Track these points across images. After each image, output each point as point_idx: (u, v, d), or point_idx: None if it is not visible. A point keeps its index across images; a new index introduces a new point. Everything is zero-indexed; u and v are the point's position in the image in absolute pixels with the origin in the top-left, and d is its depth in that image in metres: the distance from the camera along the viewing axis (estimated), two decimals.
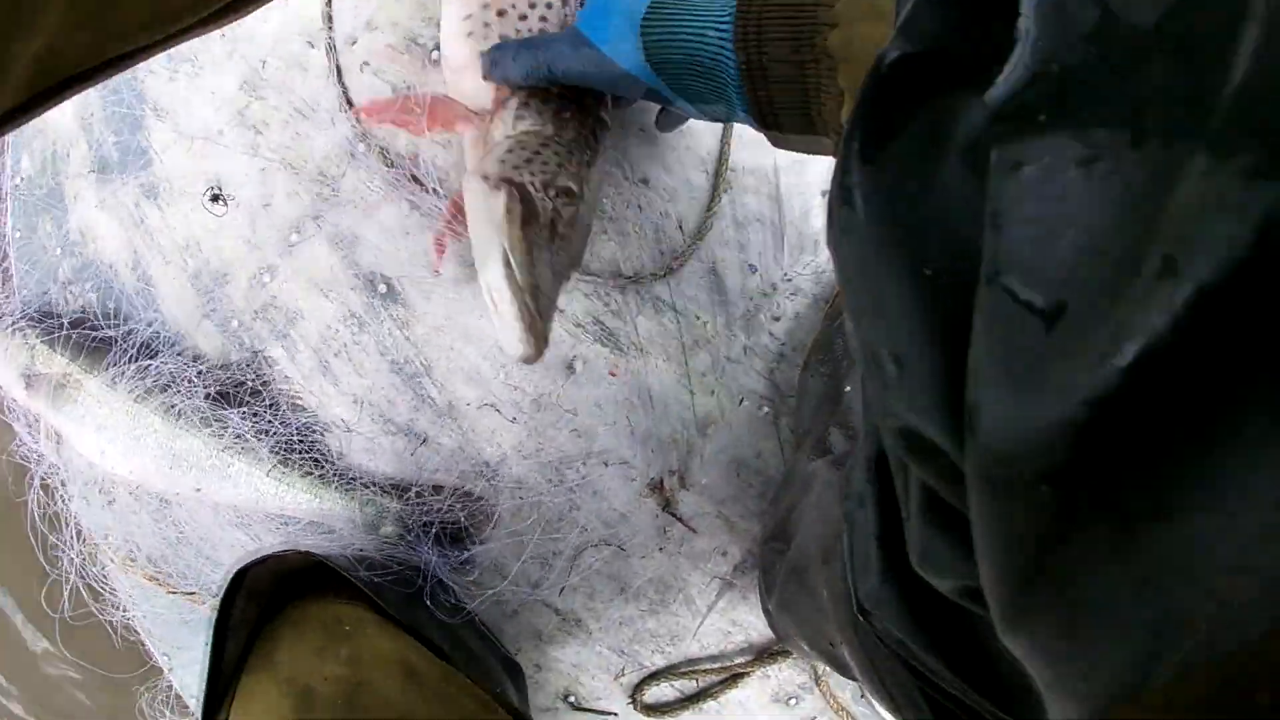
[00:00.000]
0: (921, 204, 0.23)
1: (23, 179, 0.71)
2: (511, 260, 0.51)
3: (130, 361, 0.67)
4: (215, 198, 0.69)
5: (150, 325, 0.70)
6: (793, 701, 0.71)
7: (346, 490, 0.69)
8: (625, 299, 0.69)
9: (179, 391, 0.68)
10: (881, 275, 0.24)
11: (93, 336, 0.67)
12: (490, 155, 0.57)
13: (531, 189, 0.54)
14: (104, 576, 0.74)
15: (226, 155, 0.69)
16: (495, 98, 0.61)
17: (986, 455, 0.20)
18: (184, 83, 0.69)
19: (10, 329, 0.67)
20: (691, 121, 0.65)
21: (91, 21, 0.32)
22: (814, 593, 0.50)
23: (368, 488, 0.69)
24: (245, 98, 0.69)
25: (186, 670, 0.75)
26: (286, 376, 0.70)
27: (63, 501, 0.72)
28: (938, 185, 0.23)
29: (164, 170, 0.70)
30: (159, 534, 0.73)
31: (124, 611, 0.74)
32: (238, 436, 0.68)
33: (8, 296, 0.69)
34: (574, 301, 0.69)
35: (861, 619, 0.37)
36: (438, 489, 0.69)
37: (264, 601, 0.66)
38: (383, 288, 0.69)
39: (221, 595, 0.59)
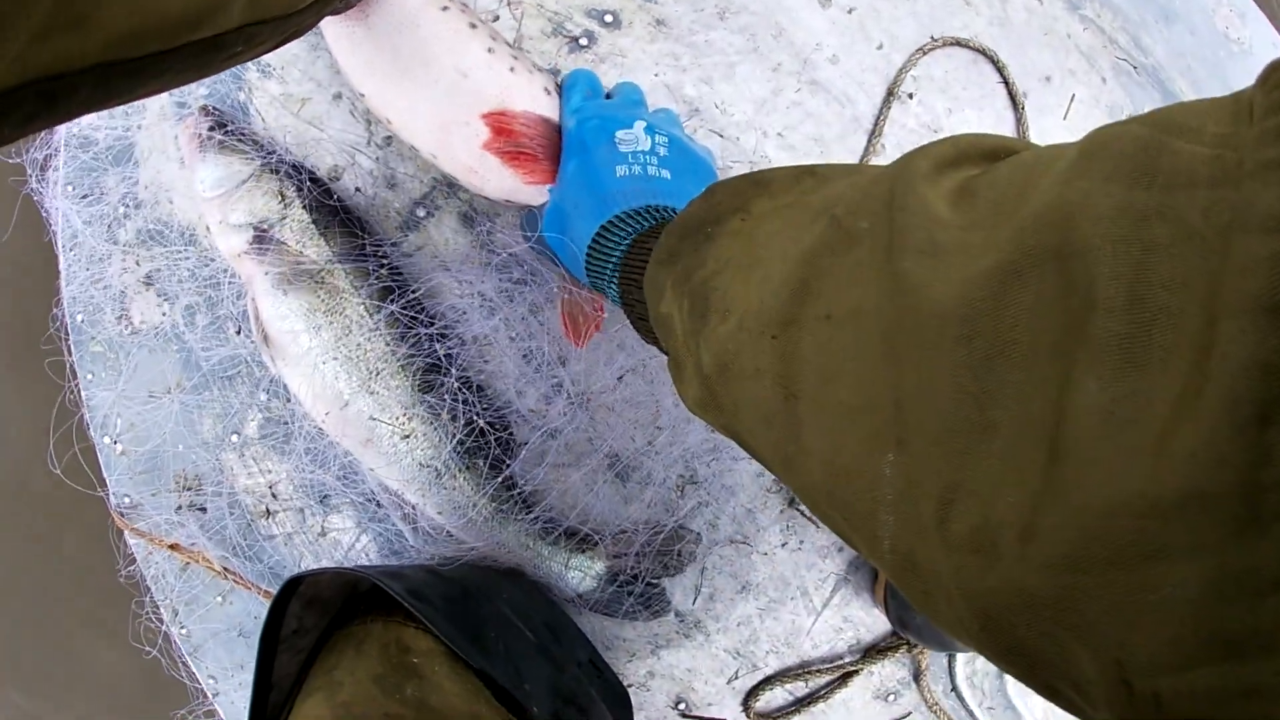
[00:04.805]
0: None
1: (79, 125, 0.62)
2: None
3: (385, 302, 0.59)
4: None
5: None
6: (892, 698, 0.72)
7: (553, 542, 0.64)
8: None
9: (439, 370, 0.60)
10: None
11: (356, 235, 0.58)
12: None
13: None
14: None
15: (347, 121, 0.64)
16: None
17: None
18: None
19: (260, 162, 0.55)
20: (850, 91, 0.70)
21: (73, 25, 0.29)
22: None
23: (570, 538, 0.64)
24: None
25: (239, 695, 0.66)
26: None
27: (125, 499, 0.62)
28: None
29: (265, 130, 0.63)
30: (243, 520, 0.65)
31: (166, 624, 0.64)
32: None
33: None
34: None
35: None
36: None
37: (333, 611, 0.60)
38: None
39: (273, 601, 0.53)
